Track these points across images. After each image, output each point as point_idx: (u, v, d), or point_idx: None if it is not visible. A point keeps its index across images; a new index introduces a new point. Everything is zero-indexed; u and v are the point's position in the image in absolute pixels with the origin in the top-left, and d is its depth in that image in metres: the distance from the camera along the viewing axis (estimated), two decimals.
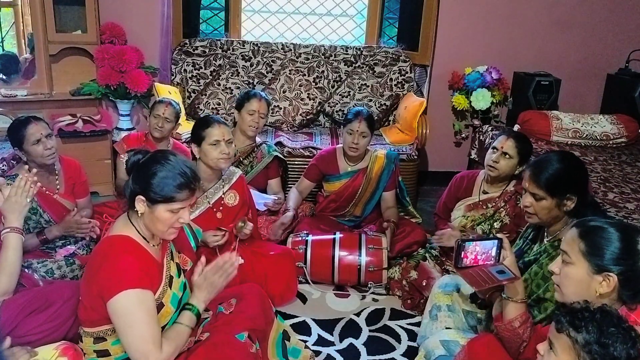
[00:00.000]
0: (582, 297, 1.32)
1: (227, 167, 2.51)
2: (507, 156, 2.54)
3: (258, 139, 3.17)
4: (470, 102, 3.90)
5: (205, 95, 3.89)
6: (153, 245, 1.66)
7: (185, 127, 3.41)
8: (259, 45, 3.94)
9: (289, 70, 3.95)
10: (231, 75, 3.92)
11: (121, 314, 1.50)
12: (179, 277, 1.72)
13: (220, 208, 2.51)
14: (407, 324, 2.47)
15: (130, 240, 1.60)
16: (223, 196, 2.52)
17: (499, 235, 1.74)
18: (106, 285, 1.51)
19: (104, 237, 1.69)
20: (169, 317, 1.65)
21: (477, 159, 3.89)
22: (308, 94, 3.96)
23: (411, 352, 2.25)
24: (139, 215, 1.60)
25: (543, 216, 1.86)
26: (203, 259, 1.76)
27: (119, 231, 1.63)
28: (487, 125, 3.90)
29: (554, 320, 1.20)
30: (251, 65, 3.94)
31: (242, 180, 2.61)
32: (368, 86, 4.02)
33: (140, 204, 1.58)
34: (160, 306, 1.62)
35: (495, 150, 2.57)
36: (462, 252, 1.69)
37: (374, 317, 2.52)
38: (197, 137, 2.46)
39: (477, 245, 1.70)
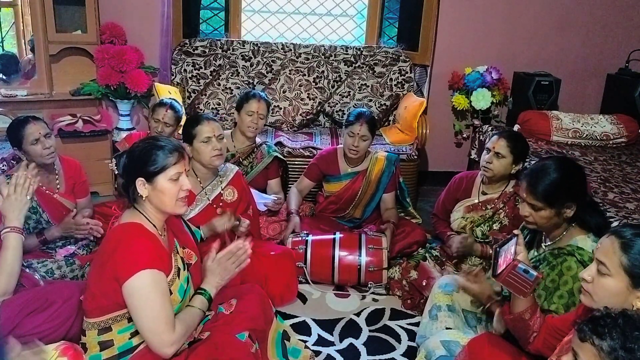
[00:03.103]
0: (616, 307, 1.30)
1: (221, 164, 2.52)
2: (499, 156, 2.53)
3: (258, 140, 3.16)
4: (470, 102, 3.90)
5: (205, 95, 3.89)
6: (161, 235, 1.70)
7: None
8: (259, 45, 3.94)
9: (289, 70, 3.95)
10: (231, 75, 3.92)
11: (137, 295, 1.54)
12: (184, 270, 1.75)
13: (220, 204, 2.52)
14: (407, 324, 2.48)
15: (141, 226, 1.65)
16: (222, 192, 2.54)
17: (515, 231, 1.71)
18: (122, 267, 1.54)
19: (115, 225, 1.71)
20: (176, 306, 1.68)
21: (477, 159, 3.88)
22: (308, 94, 3.96)
23: (411, 352, 2.25)
24: (144, 199, 1.65)
25: (543, 225, 1.84)
26: (216, 244, 1.82)
27: (130, 219, 1.67)
28: (487, 125, 3.90)
29: (576, 329, 1.18)
30: (251, 65, 3.94)
31: (239, 177, 2.62)
32: (368, 86, 4.02)
33: (141, 186, 1.64)
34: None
35: (488, 150, 2.57)
36: (499, 259, 1.63)
37: (374, 317, 2.52)
38: (188, 135, 2.47)
39: (508, 247, 1.66)
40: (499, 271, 1.63)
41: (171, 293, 1.65)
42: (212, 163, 2.45)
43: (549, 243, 1.88)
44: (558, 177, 1.80)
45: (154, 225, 1.68)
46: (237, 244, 1.78)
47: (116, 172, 1.74)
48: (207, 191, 2.51)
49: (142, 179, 1.64)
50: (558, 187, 1.78)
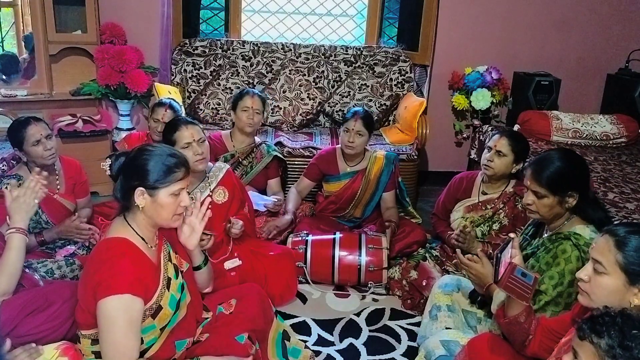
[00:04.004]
0: (614, 306, 1.30)
1: (204, 168, 2.47)
2: (501, 154, 2.55)
3: (257, 139, 3.16)
4: (470, 102, 3.90)
5: (205, 95, 3.89)
6: (150, 247, 1.65)
7: None
8: (259, 45, 3.94)
9: (289, 70, 3.95)
10: (231, 75, 3.92)
11: (104, 317, 1.50)
12: (177, 278, 1.71)
13: (209, 206, 2.48)
14: (407, 324, 2.48)
15: (127, 242, 1.59)
16: (211, 194, 2.49)
17: (511, 234, 1.73)
18: (99, 286, 1.51)
19: (101, 239, 1.68)
20: (168, 319, 1.65)
21: (477, 159, 3.89)
22: (308, 94, 3.96)
23: (411, 352, 2.25)
24: (140, 209, 1.60)
25: (545, 213, 1.86)
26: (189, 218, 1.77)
27: (117, 233, 1.62)
28: (487, 125, 3.90)
29: (576, 328, 1.19)
30: (251, 65, 3.94)
31: (230, 176, 2.57)
32: (368, 86, 4.01)
33: (141, 196, 1.59)
34: (158, 309, 1.61)
35: (489, 149, 2.58)
36: (500, 265, 1.64)
37: (374, 317, 2.52)
38: (167, 142, 2.39)
39: (507, 250, 1.66)
40: (499, 277, 1.63)
41: (162, 308, 1.62)
42: (195, 168, 2.40)
43: (550, 233, 1.90)
44: (562, 165, 1.84)
45: (142, 238, 1.63)
46: None
47: (108, 173, 1.69)
48: (194, 195, 2.46)
49: (143, 189, 1.58)
50: (562, 174, 1.82)
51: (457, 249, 2.07)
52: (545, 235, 1.92)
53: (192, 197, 2.44)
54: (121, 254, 1.56)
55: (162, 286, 1.63)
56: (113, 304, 1.49)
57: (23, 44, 3.71)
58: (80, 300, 1.61)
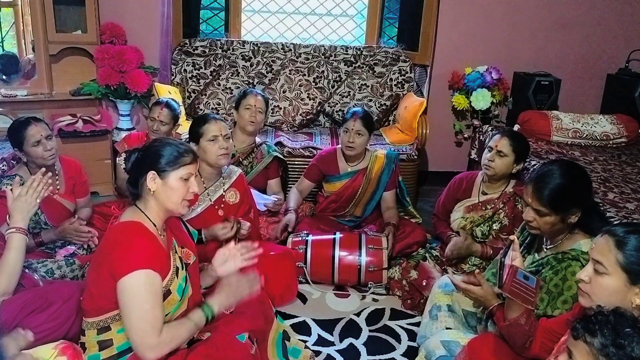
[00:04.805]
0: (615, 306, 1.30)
1: (227, 163, 2.53)
2: (501, 154, 2.55)
3: (258, 139, 3.17)
4: (470, 102, 3.90)
5: (205, 95, 3.89)
6: (160, 235, 1.71)
7: (186, 127, 3.39)
8: (259, 45, 3.94)
9: (289, 70, 3.95)
10: (231, 75, 3.92)
11: (128, 293, 1.54)
12: (182, 269, 1.76)
13: (222, 205, 2.53)
14: (407, 324, 2.48)
15: (141, 225, 1.65)
16: (224, 194, 2.54)
17: (511, 237, 1.72)
18: (118, 265, 1.55)
19: (115, 223, 1.72)
20: (175, 305, 1.68)
21: (477, 159, 3.89)
22: (308, 94, 3.96)
23: (411, 352, 2.25)
24: (152, 192, 1.66)
25: (546, 230, 1.82)
26: (232, 244, 1.91)
27: (129, 218, 1.67)
28: (487, 125, 3.90)
29: (570, 328, 1.19)
30: (251, 65, 3.94)
31: (242, 179, 2.63)
32: (368, 86, 4.02)
33: (152, 180, 1.66)
34: (167, 293, 1.64)
35: (490, 149, 2.58)
36: (504, 270, 1.62)
37: (374, 317, 2.52)
38: (195, 134, 2.49)
39: (508, 255, 1.65)
40: (503, 281, 1.61)
41: (170, 292, 1.65)
42: (218, 162, 2.47)
43: (551, 246, 1.87)
44: (564, 183, 1.78)
45: (154, 225, 1.69)
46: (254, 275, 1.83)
47: (123, 167, 1.78)
48: (209, 192, 2.51)
49: (154, 172, 1.66)
50: (564, 193, 1.76)
51: (449, 273, 2.02)
52: (546, 247, 1.89)
53: (208, 194, 2.46)
54: (137, 233, 1.62)
55: (172, 272, 1.68)
56: (136, 280, 1.54)
57: (31, 46, 3.70)
58: (90, 285, 1.64)
